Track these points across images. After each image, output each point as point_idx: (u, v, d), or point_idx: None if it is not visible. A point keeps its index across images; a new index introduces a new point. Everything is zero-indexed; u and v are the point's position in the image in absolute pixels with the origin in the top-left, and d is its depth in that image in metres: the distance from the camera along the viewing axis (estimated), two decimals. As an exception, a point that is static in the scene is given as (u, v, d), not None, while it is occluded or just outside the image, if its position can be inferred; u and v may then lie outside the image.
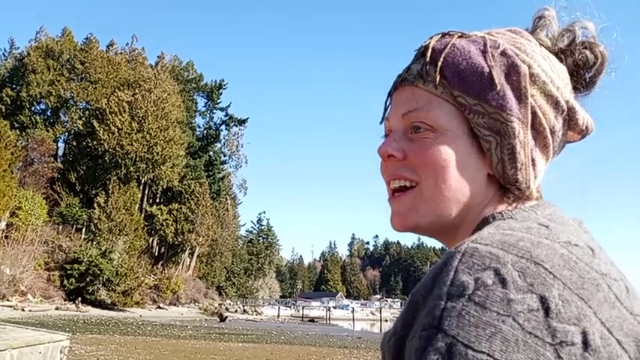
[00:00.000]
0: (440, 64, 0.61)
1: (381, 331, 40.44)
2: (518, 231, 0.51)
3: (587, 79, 0.67)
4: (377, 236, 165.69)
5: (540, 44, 0.65)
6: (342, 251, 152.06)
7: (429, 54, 0.62)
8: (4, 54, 55.21)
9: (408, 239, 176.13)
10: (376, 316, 61.13)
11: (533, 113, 0.60)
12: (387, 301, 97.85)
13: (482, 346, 0.43)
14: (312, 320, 51.96)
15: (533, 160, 0.61)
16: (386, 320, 51.68)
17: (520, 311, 0.44)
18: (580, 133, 0.66)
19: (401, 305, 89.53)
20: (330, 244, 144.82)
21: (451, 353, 0.44)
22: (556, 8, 0.67)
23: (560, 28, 0.67)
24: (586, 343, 0.45)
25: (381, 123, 0.69)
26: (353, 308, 64.09)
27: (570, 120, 0.63)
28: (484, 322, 0.44)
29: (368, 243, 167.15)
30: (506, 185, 0.61)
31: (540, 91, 0.60)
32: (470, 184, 0.61)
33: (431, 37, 0.65)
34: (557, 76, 0.62)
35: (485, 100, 0.59)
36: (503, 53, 0.60)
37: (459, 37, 0.63)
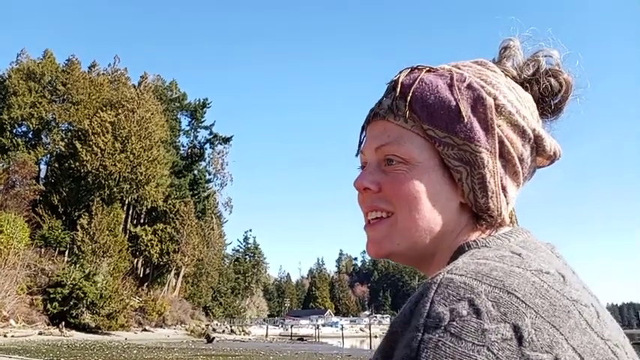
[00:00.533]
0: (409, 98, 0.63)
1: (370, 347, 40.15)
2: (491, 260, 0.53)
3: (553, 106, 0.70)
4: (365, 251, 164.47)
5: (506, 74, 0.68)
6: (330, 268, 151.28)
7: (398, 89, 0.65)
8: (-16, 76, 54.80)
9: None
10: (365, 333, 60.74)
11: (501, 143, 0.62)
12: (376, 317, 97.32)
13: None
14: (301, 339, 51.51)
15: (503, 188, 0.63)
16: (375, 336, 51.35)
17: (494, 341, 0.45)
18: (549, 159, 0.68)
19: (390, 321, 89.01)
20: (318, 260, 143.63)
21: None
22: (520, 38, 0.70)
23: (525, 57, 0.70)
24: None
25: (356, 155, 0.71)
26: (342, 325, 63.66)
27: (538, 147, 0.66)
28: (460, 352, 0.45)
29: (356, 259, 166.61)
30: (478, 213, 0.63)
31: (507, 121, 0.63)
32: (442, 214, 0.63)
33: (400, 72, 0.67)
34: (522, 105, 0.65)
35: (453, 132, 0.61)
36: (470, 86, 0.63)
37: (427, 71, 0.66)
